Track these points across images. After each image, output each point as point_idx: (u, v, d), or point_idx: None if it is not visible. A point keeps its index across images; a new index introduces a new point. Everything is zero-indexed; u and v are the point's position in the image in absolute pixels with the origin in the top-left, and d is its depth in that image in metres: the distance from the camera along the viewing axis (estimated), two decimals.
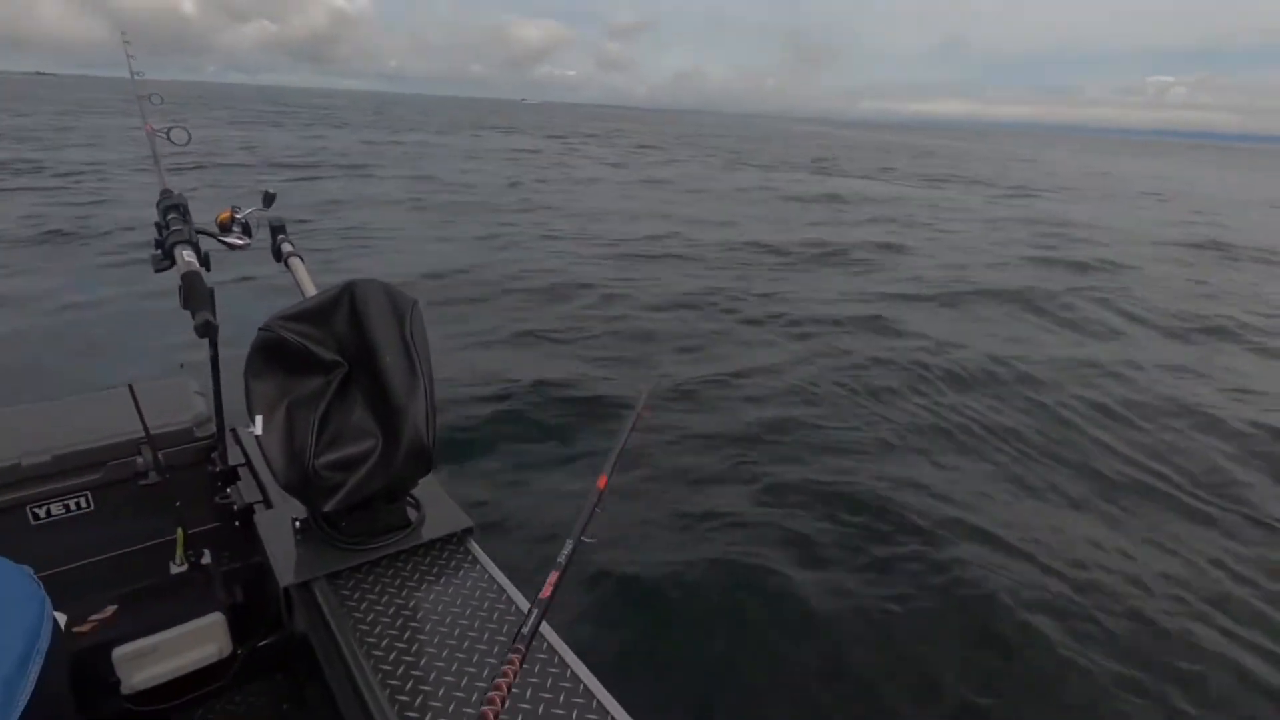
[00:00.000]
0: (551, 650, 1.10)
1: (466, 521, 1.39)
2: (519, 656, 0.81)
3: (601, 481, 1.14)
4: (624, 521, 3.47)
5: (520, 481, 3.84)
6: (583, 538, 1.06)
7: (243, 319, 1.64)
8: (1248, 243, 14.54)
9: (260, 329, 1.24)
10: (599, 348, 6.01)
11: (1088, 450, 4.64)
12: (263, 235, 1.57)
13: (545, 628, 1.11)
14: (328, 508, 1.21)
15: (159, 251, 1.30)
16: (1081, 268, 10.75)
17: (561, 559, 0.96)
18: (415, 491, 1.41)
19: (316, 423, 1.22)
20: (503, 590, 1.24)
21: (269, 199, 1.60)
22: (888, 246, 11.60)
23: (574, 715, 0.99)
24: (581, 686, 1.03)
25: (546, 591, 0.91)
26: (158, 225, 1.38)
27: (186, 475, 1.60)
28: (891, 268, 10.10)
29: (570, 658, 1.08)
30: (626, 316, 6.91)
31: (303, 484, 1.20)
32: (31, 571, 0.79)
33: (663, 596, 2.99)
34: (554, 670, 1.06)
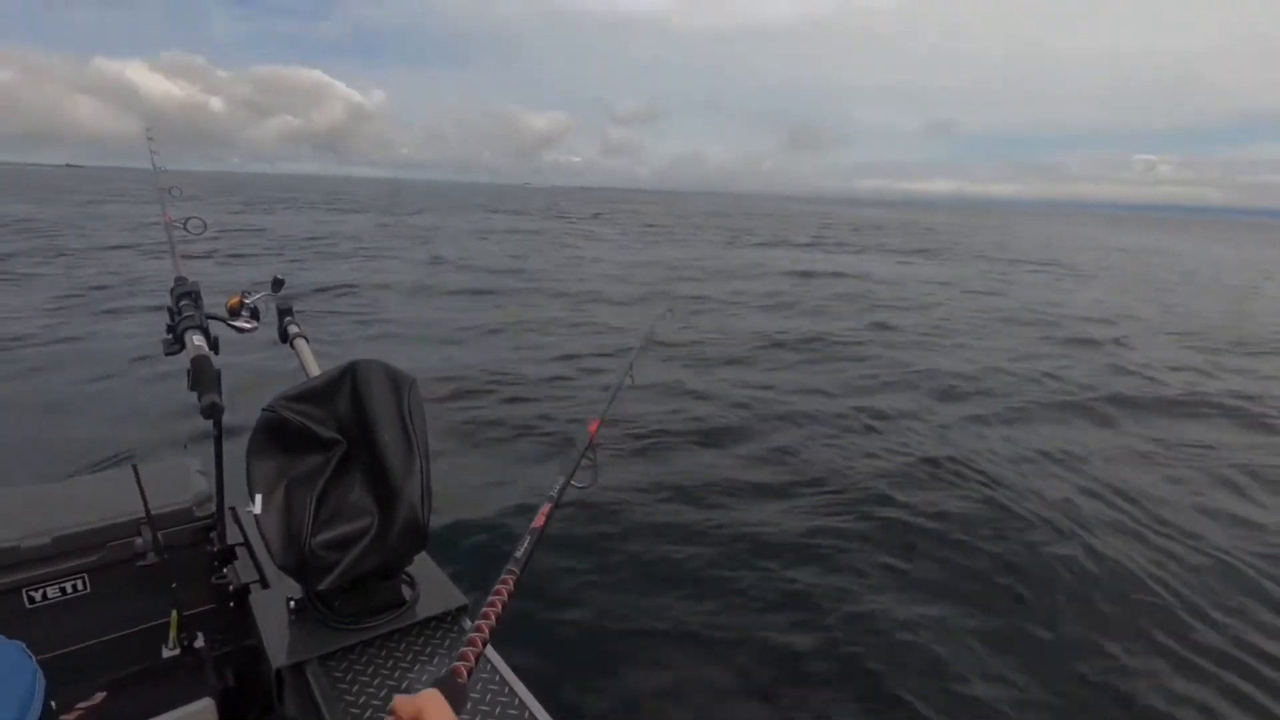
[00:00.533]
0: (494, 671, 1.12)
1: (461, 599, 1.38)
2: (512, 578, 0.84)
3: (593, 427, 1.17)
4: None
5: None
6: (573, 482, 1.10)
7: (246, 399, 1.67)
8: None
9: (264, 409, 1.28)
10: None
11: None
12: (270, 317, 1.63)
13: (492, 653, 1.13)
14: (323, 586, 1.21)
15: (169, 336, 1.36)
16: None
17: (553, 493, 1.01)
18: (410, 569, 1.41)
19: (314, 501, 1.24)
20: (496, 671, 1.22)
21: (278, 284, 1.67)
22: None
23: None
24: (527, 714, 1.04)
25: (539, 521, 0.95)
26: (170, 311, 1.44)
27: (185, 555, 1.60)
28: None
29: (517, 685, 1.09)
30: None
31: (299, 563, 1.21)
32: (24, 646, 0.79)
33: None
34: (503, 699, 1.07)
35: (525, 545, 0.90)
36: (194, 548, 1.63)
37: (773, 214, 67.97)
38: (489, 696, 1.04)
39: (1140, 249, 37.15)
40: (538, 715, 1.02)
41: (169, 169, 1.98)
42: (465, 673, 0.75)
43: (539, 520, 0.95)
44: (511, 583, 0.83)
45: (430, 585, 1.41)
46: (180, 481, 1.71)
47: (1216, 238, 62.70)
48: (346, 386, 1.35)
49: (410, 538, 1.25)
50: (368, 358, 1.38)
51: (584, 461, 1.16)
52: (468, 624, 1.35)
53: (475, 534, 4.00)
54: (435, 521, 4.00)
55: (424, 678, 1.20)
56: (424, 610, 1.35)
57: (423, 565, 1.44)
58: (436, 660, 1.25)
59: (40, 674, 0.76)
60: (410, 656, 1.26)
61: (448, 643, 1.30)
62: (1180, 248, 39.21)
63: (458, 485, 4.66)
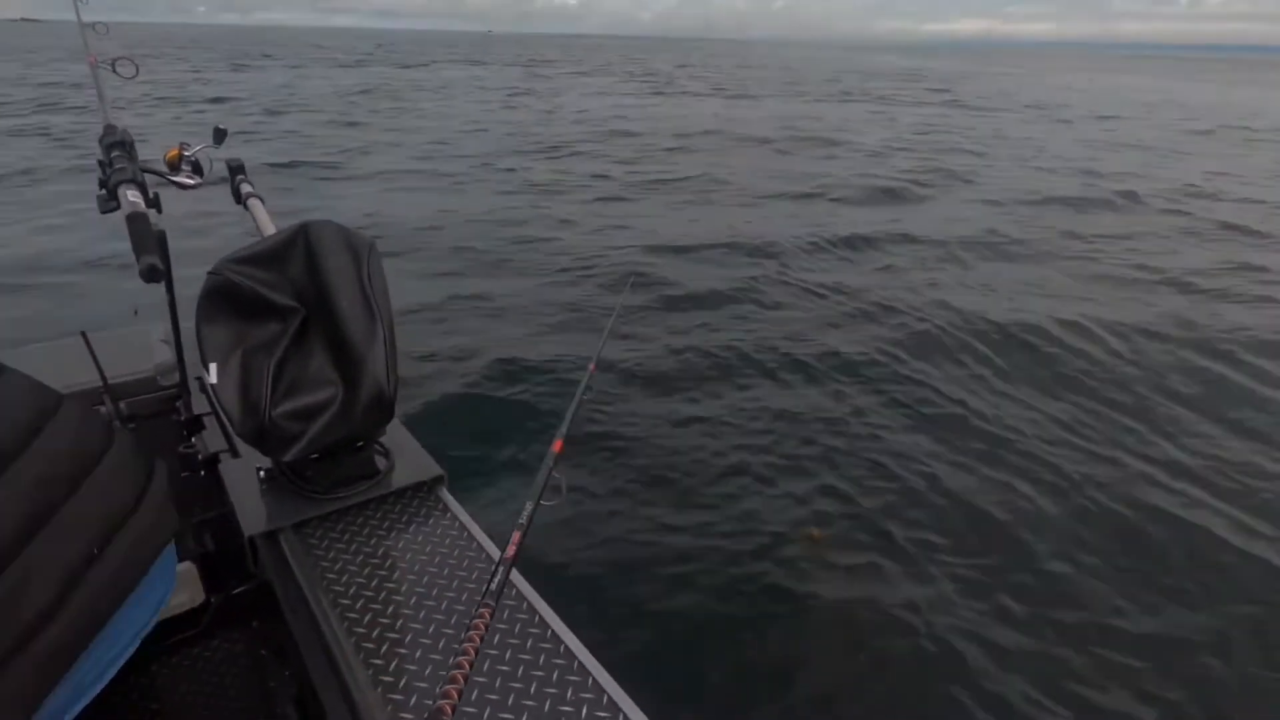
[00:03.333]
0: (521, 597, 1.08)
1: (437, 470, 1.36)
2: (489, 611, 0.79)
3: (557, 445, 1.11)
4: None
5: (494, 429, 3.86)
6: (541, 500, 1.02)
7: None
8: None
9: (209, 272, 1.19)
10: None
11: None
12: (216, 174, 1.49)
13: (518, 578, 1.10)
14: (287, 458, 1.18)
15: (104, 191, 1.24)
16: None
17: (523, 519, 0.95)
18: (385, 439, 1.38)
19: (272, 370, 1.18)
20: (474, 539, 1.22)
21: (220, 135, 1.52)
22: None
23: (545, 664, 0.97)
24: (550, 632, 1.02)
25: (511, 551, 0.90)
26: (101, 164, 1.30)
27: (152, 425, 1.58)
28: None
29: (542, 607, 1.06)
30: None
31: (260, 434, 1.17)
32: None
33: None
34: (523, 617, 1.05)
35: (498, 578, 0.83)
36: (160, 417, 1.60)
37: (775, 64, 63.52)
38: (518, 628, 1.03)
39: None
40: (573, 650, 1.00)
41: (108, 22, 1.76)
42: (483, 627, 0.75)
43: (511, 550, 0.89)
44: (488, 615, 0.77)
45: (405, 455, 1.39)
46: (140, 350, 1.66)
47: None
48: (300, 249, 1.25)
49: (376, 409, 1.21)
50: (318, 218, 1.26)
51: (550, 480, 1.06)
52: (444, 493, 1.34)
53: (453, 405, 4.05)
54: (417, 391, 4.00)
55: (399, 546, 1.20)
56: (399, 480, 1.34)
57: (397, 435, 1.42)
58: (413, 528, 1.25)
59: None
60: (387, 524, 1.26)
61: (424, 511, 1.30)
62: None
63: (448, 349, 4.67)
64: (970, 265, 7.08)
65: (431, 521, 1.27)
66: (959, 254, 7.38)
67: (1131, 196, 10.46)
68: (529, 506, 0.98)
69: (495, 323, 5.30)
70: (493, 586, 0.84)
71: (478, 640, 0.74)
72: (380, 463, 1.35)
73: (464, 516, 1.29)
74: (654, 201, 9.45)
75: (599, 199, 9.50)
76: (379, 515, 1.28)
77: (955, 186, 11.02)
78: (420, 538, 1.22)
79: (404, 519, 1.27)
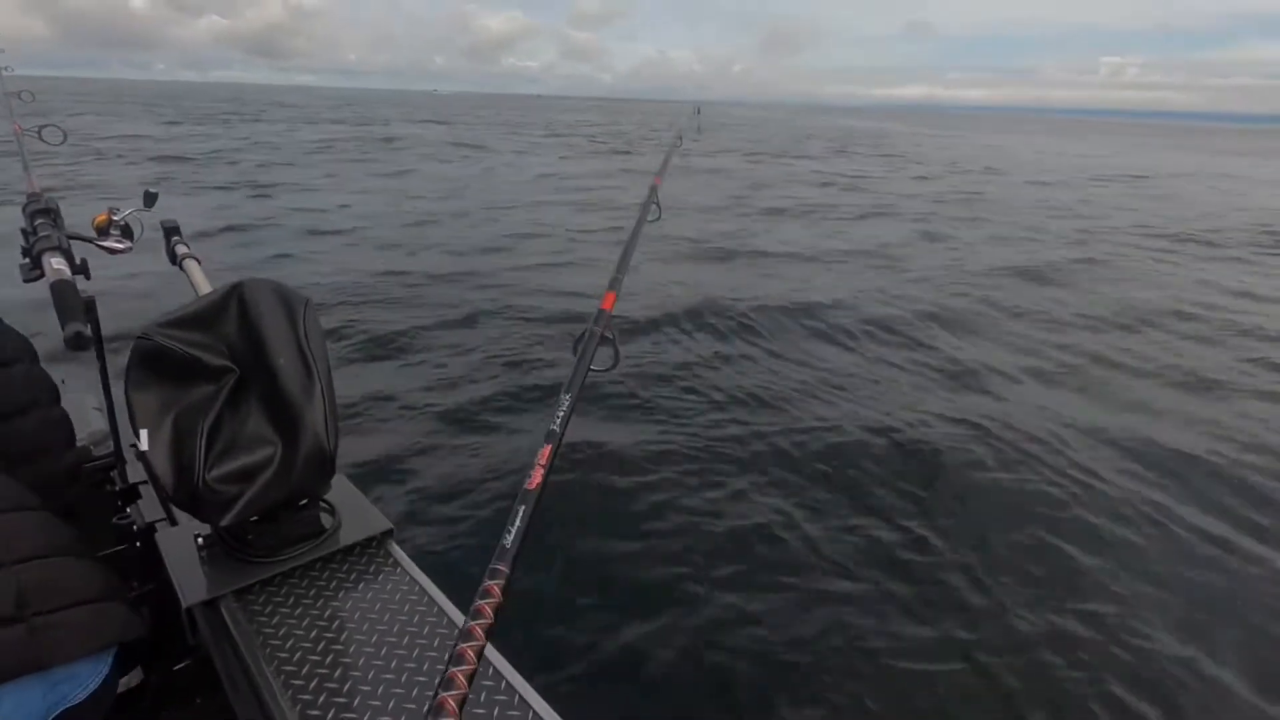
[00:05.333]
0: (487, 663, 1.01)
1: (385, 523, 1.33)
2: (500, 581, 0.66)
3: (608, 300, 1.08)
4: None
5: (446, 479, 3.80)
6: (592, 366, 0.97)
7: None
8: None
9: (138, 337, 1.17)
10: None
11: None
12: (148, 239, 1.48)
13: (489, 650, 1.04)
14: (225, 521, 1.15)
15: (27, 260, 1.22)
16: None
17: (556, 424, 0.84)
18: (329, 496, 1.36)
19: (206, 433, 1.16)
20: (425, 593, 1.19)
21: (150, 198, 1.52)
22: None
23: None
24: (517, 698, 0.97)
25: (536, 479, 0.76)
26: (24, 232, 1.29)
27: (86, 496, 1.52)
28: None
29: (511, 675, 0.99)
30: None
31: (195, 499, 1.14)
32: None
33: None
34: (489, 684, 0.98)
35: (517, 523, 0.71)
36: (95, 488, 1.54)
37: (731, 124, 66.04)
38: (483, 695, 0.97)
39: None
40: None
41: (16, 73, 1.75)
42: (455, 708, 0.57)
43: (536, 476, 0.75)
44: (499, 590, 0.66)
45: (352, 511, 1.37)
46: (75, 418, 1.61)
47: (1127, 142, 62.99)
48: (233, 309, 1.24)
49: (317, 465, 1.19)
50: (253, 276, 1.26)
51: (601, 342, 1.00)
52: (394, 548, 1.32)
53: (402, 455, 3.97)
54: (361, 447, 3.91)
55: (348, 606, 1.17)
56: (347, 537, 1.31)
57: (343, 490, 1.39)
58: (362, 586, 1.22)
59: None
60: (335, 584, 1.22)
61: (374, 568, 1.27)
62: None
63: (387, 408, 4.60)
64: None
65: (382, 578, 1.24)
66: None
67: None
68: (566, 403, 0.88)
69: (448, 370, 5.28)
70: (506, 542, 0.69)
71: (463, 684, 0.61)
72: (325, 520, 1.32)
73: (416, 572, 1.26)
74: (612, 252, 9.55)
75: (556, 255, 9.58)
76: (326, 575, 1.24)
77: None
78: (371, 595, 1.19)
79: (353, 577, 1.24)
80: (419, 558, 1.29)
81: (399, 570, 1.26)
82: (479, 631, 0.64)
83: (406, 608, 1.15)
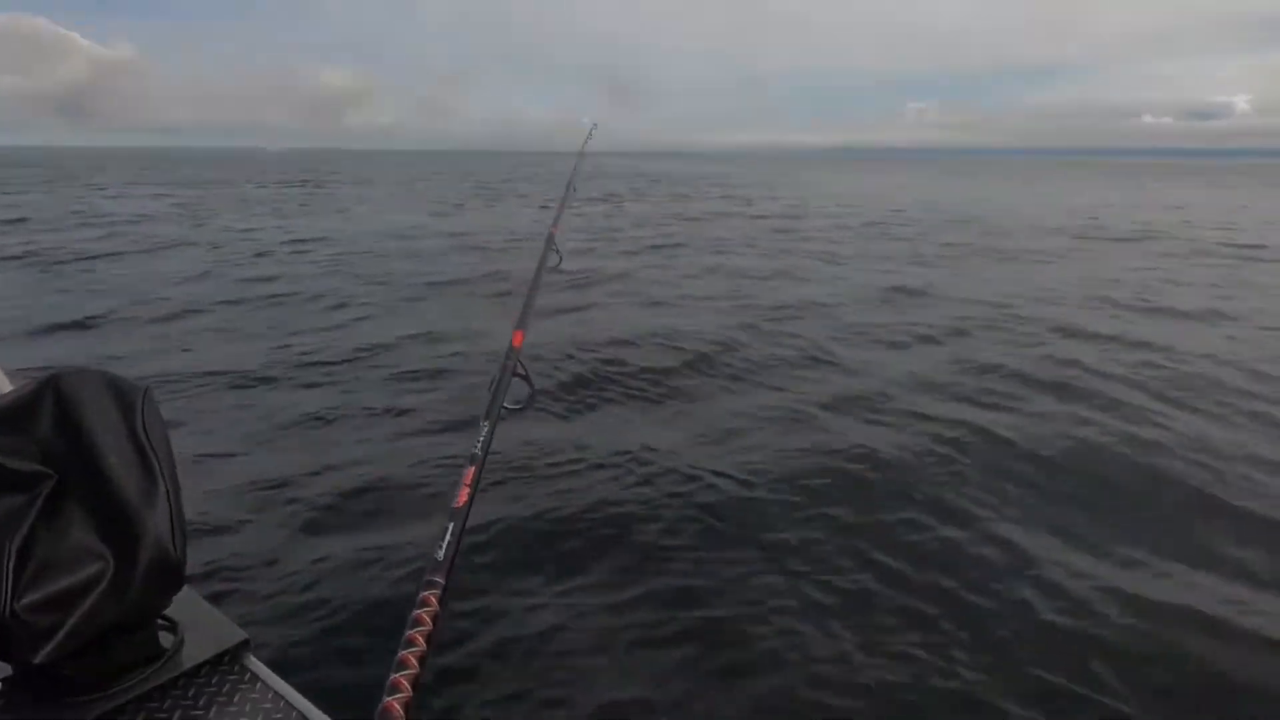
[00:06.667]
0: None
1: (239, 634, 1.18)
2: (435, 594, 0.70)
3: (517, 338, 1.17)
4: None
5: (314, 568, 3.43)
6: (505, 405, 1.06)
7: None
8: None
9: None
10: None
11: None
12: None
13: None
14: (39, 659, 0.97)
15: None
16: None
17: (478, 448, 0.90)
18: (169, 611, 1.18)
19: (14, 554, 0.98)
20: (292, 708, 1.07)
21: None
22: None
23: None
24: None
25: (462, 497, 0.81)
26: None
27: None
28: None
29: None
30: None
31: (1, 636, 0.96)
32: None
33: None
34: None
35: (447, 538, 0.75)
36: None
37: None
38: None
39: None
40: None
41: None
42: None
43: (462, 495, 0.80)
44: (435, 599, 0.69)
45: (199, 624, 1.20)
46: None
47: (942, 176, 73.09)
48: (48, 406, 1.08)
49: (160, 577, 1.04)
50: (75, 366, 1.11)
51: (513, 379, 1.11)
52: (251, 661, 1.17)
53: (264, 556, 3.50)
54: (210, 546, 3.52)
55: None
56: (193, 655, 1.14)
57: (187, 602, 1.22)
58: (214, 711, 1.06)
59: None
60: (179, 714, 1.06)
61: (226, 688, 1.11)
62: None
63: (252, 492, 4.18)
64: None
65: (239, 698, 1.09)
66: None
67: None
68: (485, 428, 1.02)
69: (322, 446, 4.87)
70: (438, 555, 0.74)
71: None
72: (166, 640, 1.15)
73: (280, 685, 1.12)
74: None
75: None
76: (168, 705, 1.07)
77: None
78: None
79: (202, 702, 1.08)
80: (285, 667, 1.15)
81: (258, 686, 1.12)
82: (419, 638, 0.69)
83: None
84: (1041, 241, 17.20)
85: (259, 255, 13.59)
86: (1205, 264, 13.86)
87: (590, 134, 2.07)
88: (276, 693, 1.10)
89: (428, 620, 0.70)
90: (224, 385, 6.03)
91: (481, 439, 1.00)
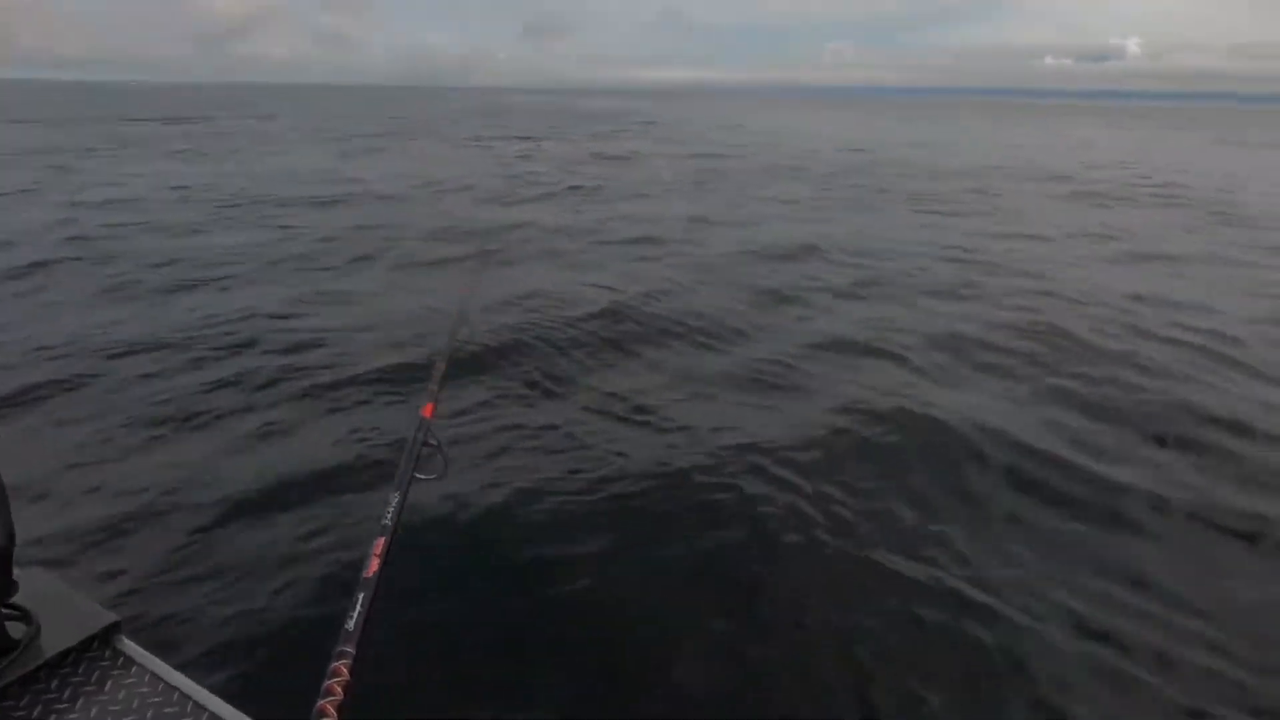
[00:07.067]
0: None
1: (108, 617, 1.11)
2: (346, 664, 0.69)
3: (428, 410, 1.15)
4: None
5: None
6: (415, 474, 1.04)
7: None
8: None
9: None
10: None
11: None
12: None
13: None
14: None
15: None
16: None
17: (388, 518, 0.88)
18: (21, 600, 1.10)
19: None
20: (174, 690, 1.01)
21: None
22: None
23: None
24: None
25: (373, 567, 0.80)
26: None
27: None
28: None
29: None
30: None
31: None
32: None
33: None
34: None
35: (357, 608, 0.75)
36: None
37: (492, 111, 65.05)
38: None
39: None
40: None
41: None
42: None
43: (372, 565, 0.78)
44: (347, 669, 0.68)
45: (59, 612, 1.11)
46: None
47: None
48: None
49: None
50: None
51: (424, 450, 1.11)
52: (125, 644, 1.11)
53: (122, 531, 3.23)
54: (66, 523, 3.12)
55: None
56: (55, 643, 1.07)
57: (45, 588, 1.14)
58: (81, 701, 1.00)
59: None
60: (40, 709, 0.99)
61: (96, 675, 1.05)
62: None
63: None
64: None
65: (110, 685, 1.03)
66: None
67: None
68: (394, 499, 0.99)
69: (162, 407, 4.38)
70: (348, 627, 0.73)
71: None
72: (17, 630, 1.07)
73: (159, 666, 1.06)
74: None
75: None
76: (26, 701, 1.01)
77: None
78: (96, 710, 0.98)
79: (67, 694, 1.01)
80: (166, 648, 1.10)
81: (133, 670, 1.06)
82: (330, 709, 0.69)
83: (150, 714, 0.97)
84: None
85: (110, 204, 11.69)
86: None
87: (463, 315, 2.28)
88: (154, 674, 1.05)
89: (339, 690, 0.70)
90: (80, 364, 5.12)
91: (391, 509, 0.99)
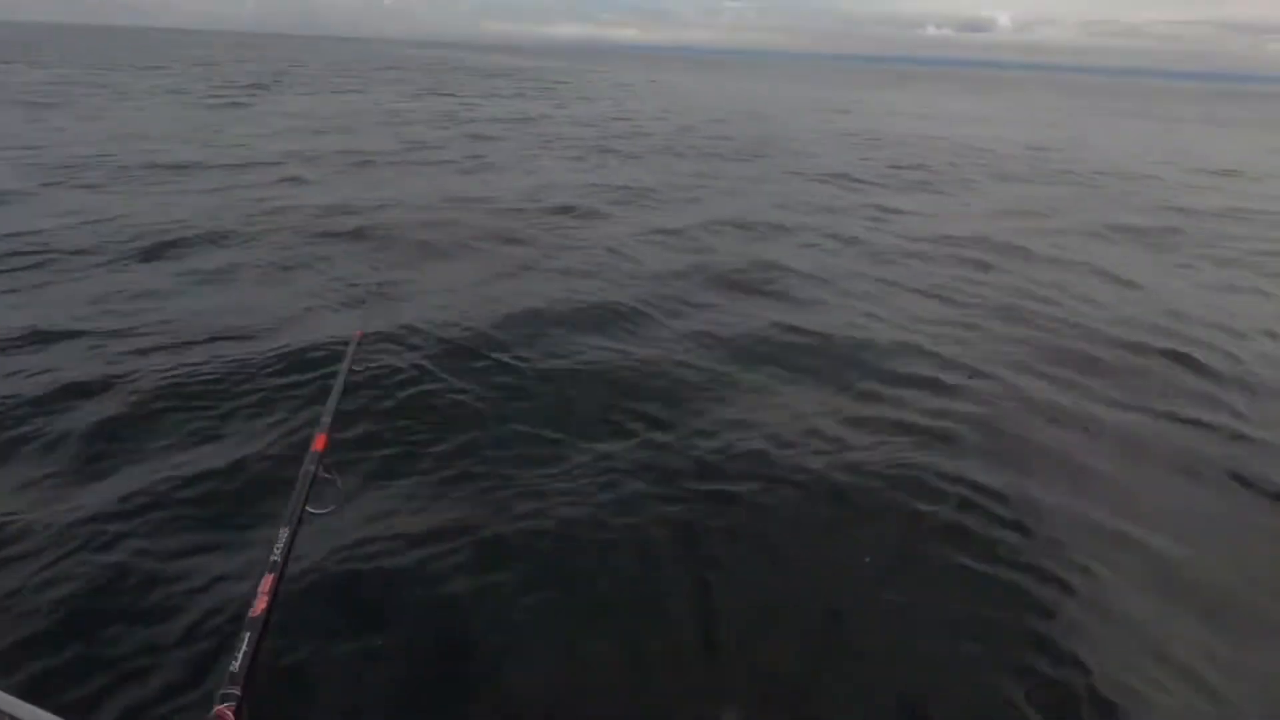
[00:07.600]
0: None
1: None
2: (231, 708, 0.68)
3: (320, 442, 1.15)
4: None
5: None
6: (307, 508, 1.05)
7: None
8: None
9: None
10: None
11: None
12: None
13: None
14: None
15: None
16: None
17: (276, 554, 0.88)
18: None
19: None
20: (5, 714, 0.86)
21: None
22: None
23: None
24: None
25: (260, 606, 0.79)
26: None
27: None
28: None
29: None
30: None
31: None
32: None
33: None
34: None
35: (243, 649, 0.73)
36: None
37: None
38: None
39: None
40: None
41: None
42: None
43: (260, 604, 0.78)
44: (232, 714, 0.68)
45: None
46: None
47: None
48: None
49: None
50: None
51: (318, 482, 1.11)
52: None
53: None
54: None
55: None
56: None
57: None
58: None
59: None
60: None
61: None
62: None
63: None
64: None
65: None
66: None
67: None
68: (284, 534, 0.96)
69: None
70: (234, 669, 0.71)
71: None
72: None
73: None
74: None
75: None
76: None
77: None
78: None
79: None
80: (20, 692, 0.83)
81: None
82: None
83: None
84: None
85: None
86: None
87: (354, 347, 2.04)
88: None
89: None
90: None
91: (280, 545, 0.97)
